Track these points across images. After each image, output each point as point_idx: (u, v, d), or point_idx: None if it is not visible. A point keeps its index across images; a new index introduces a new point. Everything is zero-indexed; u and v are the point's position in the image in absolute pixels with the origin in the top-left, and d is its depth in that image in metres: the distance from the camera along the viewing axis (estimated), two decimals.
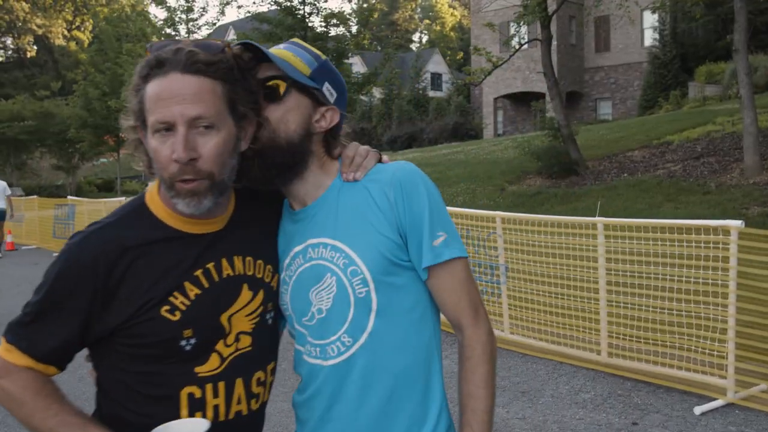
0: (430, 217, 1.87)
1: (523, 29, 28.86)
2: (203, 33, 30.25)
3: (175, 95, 1.65)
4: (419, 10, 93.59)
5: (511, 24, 25.31)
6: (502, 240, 7.43)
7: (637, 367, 6.19)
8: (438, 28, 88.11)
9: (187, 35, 28.96)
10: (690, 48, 36.50)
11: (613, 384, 6.15)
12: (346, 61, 22.71)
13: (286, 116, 1.84)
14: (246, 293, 1.85)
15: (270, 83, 1.83)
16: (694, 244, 5.92)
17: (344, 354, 1.85)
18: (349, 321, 1.85)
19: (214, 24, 30.30)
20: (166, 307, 1.73)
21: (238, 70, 1.77)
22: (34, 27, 74.75)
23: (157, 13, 43.37)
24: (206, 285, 1.79)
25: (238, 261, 1.85)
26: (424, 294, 1.91)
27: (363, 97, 31.78)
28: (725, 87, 29.45)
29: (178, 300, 1.75)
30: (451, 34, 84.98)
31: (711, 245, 5.80)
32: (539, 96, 35.50)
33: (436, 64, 63.32)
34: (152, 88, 1.67)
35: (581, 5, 39.88)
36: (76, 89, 39.24)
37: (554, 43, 26.47)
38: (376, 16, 66.42)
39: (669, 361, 6.03)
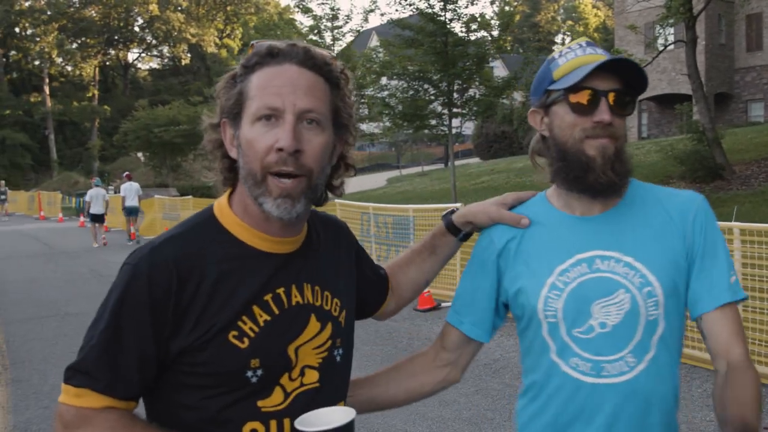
0: (724, 251, 1.85)
1: (669, 30, 28.14)
2: (347, 40, 31.00)
3: (290, 84, 1.59)
4: (562, 11, 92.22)
5: (656, 25, 24.72)
6: None
7: None
8: (581, 29, 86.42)
9: (332, 42, 29.78)
10: None
11: None
12: (487, 65, 22.84)
13: (624, 127, 1.86)
14: (314, 324, 1.71)
15: (627, 97, 1.83)
16: None
17: (627, 374, 1.79)
18: (635, 342, 1.80)
19: (358, 31, 30.99)
20: (234, 333, 1.58)
21: (345, 82, 1.74)
22: (189, 36, 78.32)
23: (304, 21, 44.60)
24: (276, 311, 1.64)
25: (307, 289, 1.72)
26: (683, 322, 1.88)
27: (504, 101, 31.68)
28: None
29: (247, 326, 1.60)
30: (595, 35, 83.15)
31: None
32: (686, 98, 34.43)
33: None
34: (262, 75, 1.61)
35: (731, 3, 38.41)
36: None
37: (702, 43, 25.75)
38: (518, 18, 66.02)
39: None
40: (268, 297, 1.64)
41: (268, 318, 1.63)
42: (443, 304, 10.50)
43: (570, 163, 1.85)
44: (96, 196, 22.45)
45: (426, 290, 10.34)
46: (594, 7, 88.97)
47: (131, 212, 21.95)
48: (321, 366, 1.71)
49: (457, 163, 34.96)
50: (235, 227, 1.68)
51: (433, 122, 23.01)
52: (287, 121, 1.57)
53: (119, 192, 23.36)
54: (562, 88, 1.84)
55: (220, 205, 1.73)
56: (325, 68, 1.66)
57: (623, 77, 1.83)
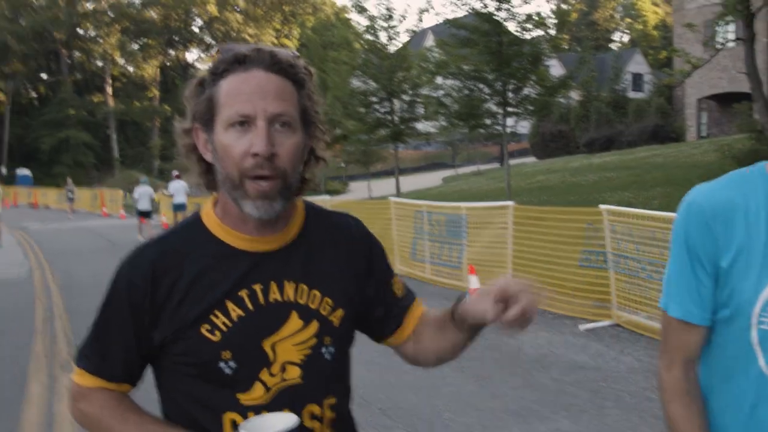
0: None
1: (729, 27, 27.71)
2: (402, 39, 31.16)
3: (258, 90, 1.63)
4: (620, 8, 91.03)
5: (714, 22, 24.38)
6: None
7: None
8: (640, 26, 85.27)
9: (387, 42, 29.96)
10: None
11: None
12: (542, 65, 22.79)
13: None
14: (295, 321, 1.74)
15: None
16: None
17: None
18: None
19: (413, 31, 31.11)
20: (207, 326, 1.68)
21: (309, 79, 1.76)
22: (247, 36, 79.24)
23: (360, 21, 44.89)
24: (250, 307, 1.71)
25: (289, 287, 1.75)
26: None
27: (561, 100, 31.39)
28: None
29: (219, 320, 1.68)
30: (654, 32, 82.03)
31: None
32: (747, 96, 33.86)
33: (637, 64, 61.54)
34: (231, 82, 1.65)
35: None
36: None
37: (763, 40, 25.33)
38: (575, 16, 65.48)
39: None
40: (243, 293, 1.70)
41: (242, 313, 1.70)
42: None
43: None
44: (143, 194, 24.00)
45: (478, 287, 10.48)
46: (653, 4, 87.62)
47: (179, 208, 23.39)
48: (304, 363, 1.73)
49: (513, 162, 34.89)
50: (216, 228, 1.76)
51: (488, 121, 23.05)
52: (260, 126, 1.61)
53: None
54: None
55: (205, 207, 1.81)
56: (290, 71, 1.69)
57: None
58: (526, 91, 22.58)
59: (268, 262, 1.74)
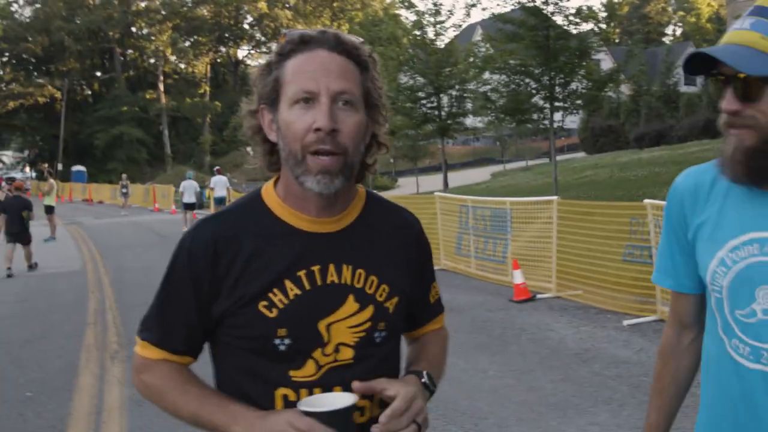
0: None
1: None
2: (450, 35, 31.13)
3: (322, 68, 1.68)
4: (673, 1, 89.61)
5: None
6: None
7: None
8: (693, 19, 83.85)
9: (434, 37, 29.97)
10: None
11: None
12: (591, 58, 22.61)
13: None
14: (351, 305, 1.77)
15: (740, 80, 1.64)
16: None
17: None
18: None
19: (460, 26, 31.06)
20: (264, 303, 1.72)
21: (373, 65, 1.81)
22: None
23: (408, 16, 44.84)
24: (307, 287, 1.74)
25: (347, 270, 1.78)
26: None
27: (611, 94, 31.03)
28: None
29: (277, 297, 1.73)
30: (708, 25, 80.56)
31: None
32: None
33: None
34: (296, 62, 1.70)
35: None
36: None
37: None
38: (626, 9, 64.63)
39: None
40: (301, 273, 1.74)
41: (299, 293, 1.73)
42: (538, 296, 10.61)
43: None
44: (188, 188, 25.79)
45: (522, 282, 10.49)
46: None
47: (220, 201, 25.83)
48: (357, 345, 1.76)
49: (562, 157, 34.68)
50: (276, 207, 1.80)
51: (535, 116, 22.94)
52: (323, 102, 1.66)
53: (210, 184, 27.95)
54: None
55: (267, 186, 1.85)
56: (354, 52, 1.74)
57: None
58: (573, 85, 22.43)
59: (327, 244, 1.78)
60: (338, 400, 1.65)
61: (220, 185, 26.62)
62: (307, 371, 1.73)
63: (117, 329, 9.67)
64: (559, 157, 24.68)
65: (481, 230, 13.26)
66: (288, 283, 1.73)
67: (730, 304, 1.77)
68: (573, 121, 43.54)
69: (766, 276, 1.70)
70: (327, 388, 1.73)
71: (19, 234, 16.27)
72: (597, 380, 6.71)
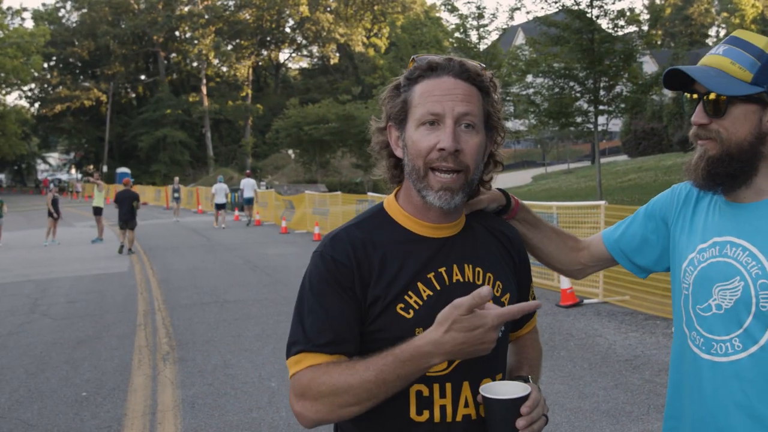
0: None
1: None
2: (493, 38, 31.03)
3: (448, 93, 1.83)
4: (716, 2, 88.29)
5: None
6: None
7: None
8: (737, 21, 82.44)
9: (477, 41, 29.93)
10: None
11: None
12: (635, 61, 22.42)
13: (733, 127, 1.90)
14: None
15: (709, 97, 1.91)
16: None
17: (732, 356, 1.90)
18: (744, 328, 1.88)
19: (504, 29, 30.97)
20: (401, 305, 1.84)
21: (494, 89, 1.95)
22: (337, 36, 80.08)
23: (450, 19, 44.79)
24: (438, 287, 1.88)
25: (468, 269, 1.94)
26: None
27: (654, 97, 30.73)
28: None
29: (412, 299, 1.85)
30: (753, 26, 79.19)
31: None
32: None
33: None
34: (424, 86, 1.85)
35: None
36: (375, 93, 41.43)
37: None
38: (669, 12, 63.89)
39: None
40: (430, 275, 1.89)
41: (431, 293, 1.87)
42: (585, 301, 10.56)
43: None
44: (219, 190, 28.81)
45: (569, 287, 10.45)
46: None
47: (248, 202, 29.68)
48: None
49: (604, 160, 34.37)
50: (400, 217, 1.96)
51: (579, 119, 22.81)
52: (447, 125, 1.81)
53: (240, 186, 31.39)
54: None
55: (388, 199, 2.02)
56: (477, 79, 1.88)
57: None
58: (618, 88, 22.26)
59: (449, 247, 1.94)
60: (517, 388, 1.78)
61: (248, 187, 29.88)
62: (439, 366, 1.81)
63: (167, 330, 9.81)
64: (601, 160, 24.43)
65: None
66: (420, 286, 1.88)
67: (693, 299, 2.01)
68: (615, 124, 43.14)
69: (722, 275, 1.93)
70: (457, 382, 1.86)
71: (129, 221, 20.13)
72: (648, 387, 6.67)
